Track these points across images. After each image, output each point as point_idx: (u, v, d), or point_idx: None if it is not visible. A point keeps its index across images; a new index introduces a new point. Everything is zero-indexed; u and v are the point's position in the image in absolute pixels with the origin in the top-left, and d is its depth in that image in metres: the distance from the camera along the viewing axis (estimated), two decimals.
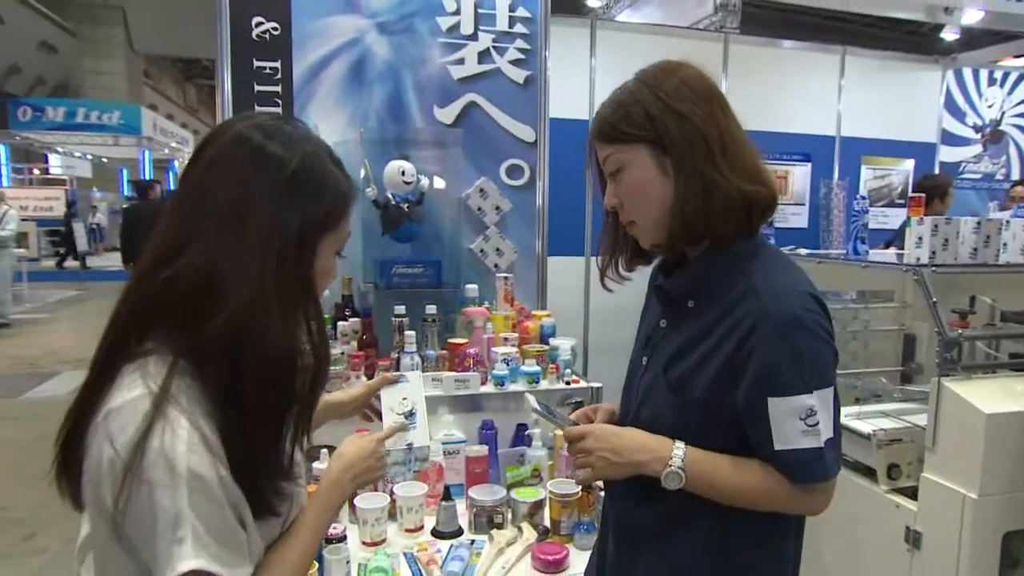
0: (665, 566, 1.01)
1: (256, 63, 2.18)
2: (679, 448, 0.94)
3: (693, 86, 0.96)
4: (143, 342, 0.75)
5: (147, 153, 17.21)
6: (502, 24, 2.41)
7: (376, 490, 1.74)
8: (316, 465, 1.67)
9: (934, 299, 1.83)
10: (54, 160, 16.69)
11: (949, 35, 5.58)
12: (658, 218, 0.98)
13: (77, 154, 15.84)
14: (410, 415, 1.11)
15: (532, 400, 1.14)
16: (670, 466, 0.93)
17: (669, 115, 0.94)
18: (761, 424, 0.91)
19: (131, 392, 0.71)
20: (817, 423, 0.90)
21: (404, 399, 1.13)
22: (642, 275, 1.14)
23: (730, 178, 0.93)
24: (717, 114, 0.96)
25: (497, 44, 2.41)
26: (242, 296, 0.73)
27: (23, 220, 10.16)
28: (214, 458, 0.71)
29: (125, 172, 18.34)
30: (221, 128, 0.82)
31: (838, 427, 0.95)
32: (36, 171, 16.59)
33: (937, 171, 4.32)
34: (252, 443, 0.76)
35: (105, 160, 16.94)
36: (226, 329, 0.72)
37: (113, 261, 14.10)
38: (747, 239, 0.98)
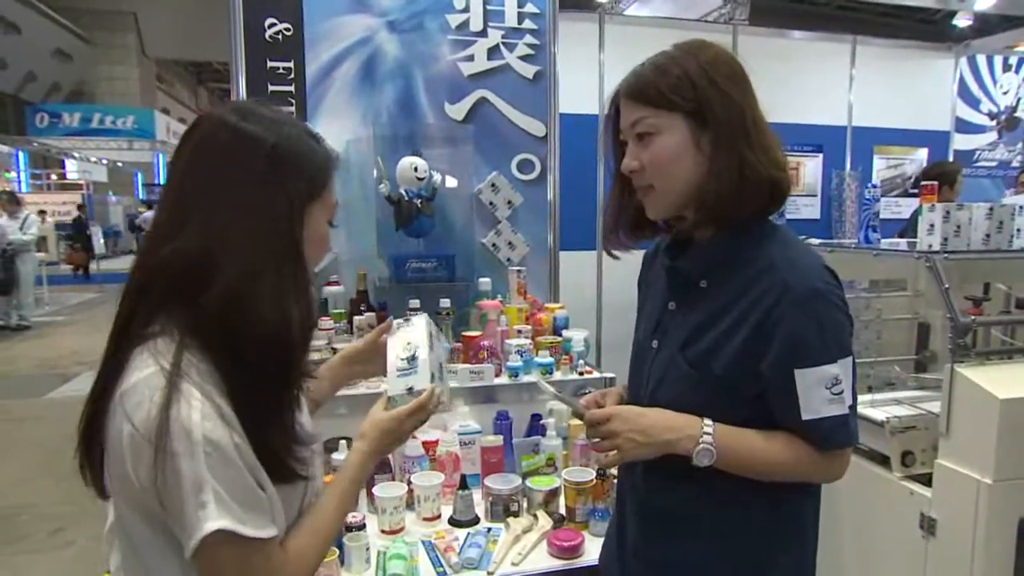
0: (693, 548, 1.02)
1: (269, 63, 2.22)
2: (708, 425, 0.95)
3: (729, 63, 0.98)
4: (149, 325, 0.79)
5: (161, 156, 17.41)
6: (511, 20, 2.43)
7: (394, 479, 1.78)
8: (335, 456, 1.71)
9: (946, 286, 1.82)
10: (70, 165, 16.92)
11: (962, 21, 5.52)
12: (680, 191, 0.98)
13: (93, 159, 16.06)
14: (412, 359, 1.07)
15: (547, 387, 1.15)
16: (701, 443, 0.93)
17: (712, 89, 0.94)
18: (788, 395, 0.93)
19: (143, 371, 0.75)
20: (842, 391, 0.93)
21: (408, 343, 1.09)
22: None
23: (763, 161, 0.95)
24: (750, 94, 0.98)
25: (506, 40, 2.43)
26: (232, 271, 0.77)
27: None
28: (227, 426, 0.75)
29: (140, 176, 18.57)
30: (202, 115, 0.86)
31: (855, 394, 0.97)
32: (53, 176, 16.82)
33: (951, 159, 4.29)
34: (260, 408, 0.79)
35: (120, 164, 17.15)
36: (221, 302, 0.76)
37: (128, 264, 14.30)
38: (762, 220, 1.00)
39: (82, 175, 16.41)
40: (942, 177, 3.22)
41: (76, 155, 15.70)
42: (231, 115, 0.83)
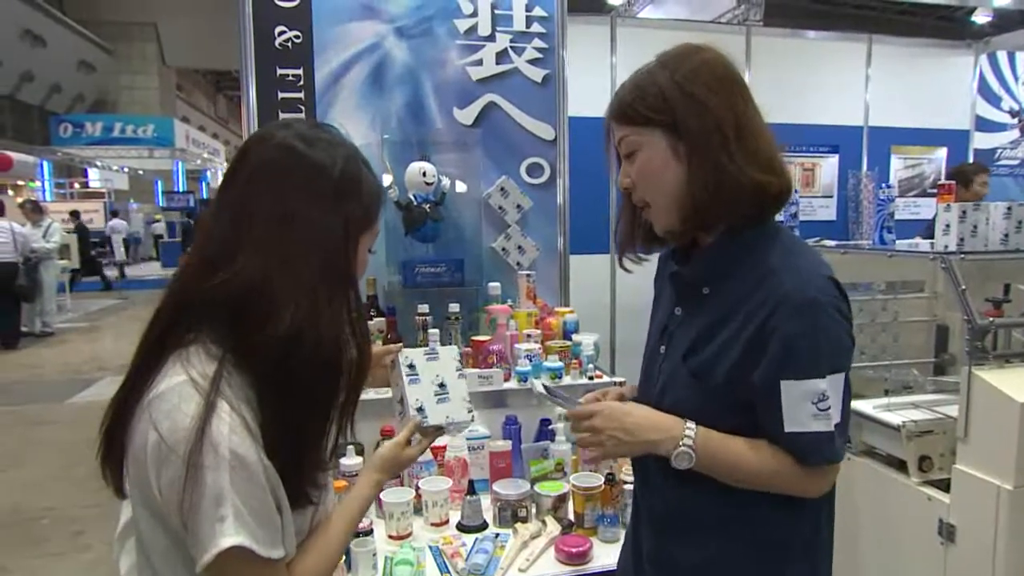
0: (707, 553, 1.01)
1: (279, 71, 2.24)
2: (690, 428, 0.95)
3: (713, 70, 0.97)
4: (187, 334, 0.79)
5: (180, 164, 17.70)
6: (519, 24, 2.43)
7: (402, 485, 1.78)
8: (344, 461, 1.71)
9: (963, 287, 1.79)
10: (93, 174, 17.24)
11: (981, 18, 5.42)
12: (670, 203, 0.98)
13: (114, 167, 16.35)
14: (441, 386, 1.10)
15: (537, 384, 1.15)
16: (681, 446, 0.94)
17: (685, 100, 0.94)
18: (773, 405, 0.92)
19: (174, 379, 0.75)
20: (828, 407, 0.91)
21: (437, 375, 1.12)
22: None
23: (742, 166, 0.93)
24: (735, 100, 0.96)
25: (514, 44, 2.43)
26: (299, 300, 0.77)
27: (67, 232, 10.59)
28: (254, 440, 0.75)
29: (160, 183, 18.87)
30: (261, 136, 0.85)
31: (847, 412, 0.95)
32: (76, 185, 17.14)
33: (972, 159, 4.22)
34: (300, 438, 0.80)
35: (141, 172, 17.46)
36: (287, 332, 0.75)
37: (150, 271, 14.54)
38: (762, 225, 0.99)
39: (104, 183, 16.72)
40: (957, 177, 3.16)
41: (98, 164, 15.99)
42: (296, 141, 0.82)
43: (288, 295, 0.76)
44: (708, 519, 1.01)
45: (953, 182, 2.24)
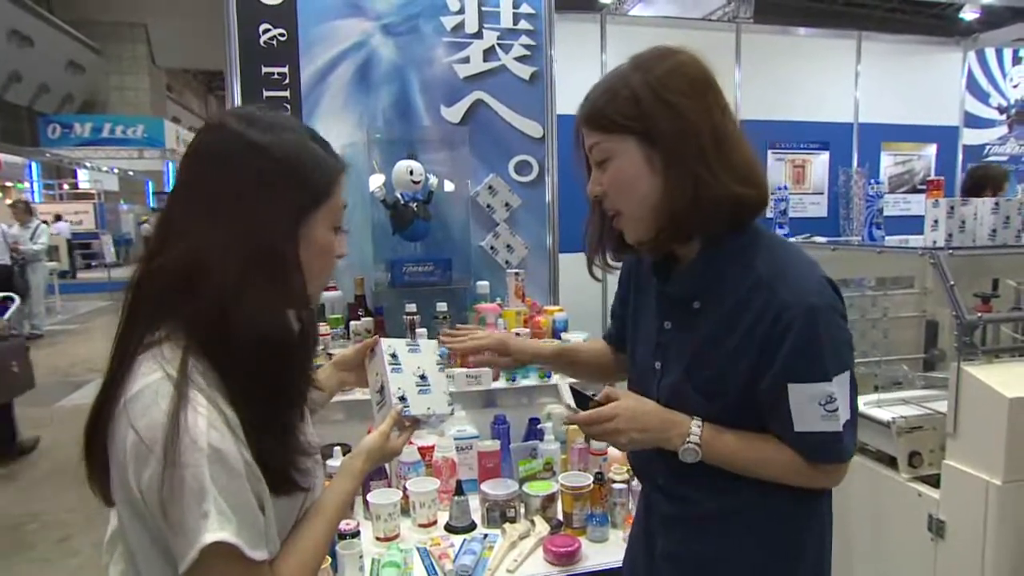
0: (717, 551, 1.02)
1: (264, 69, 2.21)
2: (696, 425, 0.96)
3: (689, 75, 0.93)
4: (154, 332, 0.77)
5: (171, 165, 17.57)
6: (506, 21, 2.41)
7: (389, 486, 1.76)
8: (330, 463, 1.69)
9: (951, 282, 1.78)
10: (83, 175, 17.11)
11: (969, 15, 5.45)
12: (645, 213, 0.95)
13: (104, 168, 16.23)
14: (422, 378, 1.08)
15: (565, 393, 1.12)
16: (688, 442, 0.95)
17: (660, 106, 0.91)
18: (781, 408, 0.92)
19: (149, 377, 0.73)
20: (836, 408, 0.91)
21: (418, 367, 1.10)
22: None
23: (721, 177, 0.91)
24: (711, 107, 0.93)
25: (502, 41, 2.42)
26: (222, 281, 0.75)
27: (56, 234, 10.51)
28: (233, 434, 0.73)
29: (151, 184, 18.75)
30: (207, 121, 0.85)
31: (855, 407, 0.95)
32: (66, 186, 17.00)
33: (961, 155, 4.24)
34: (260, 419, 0.78)
35: (131, 173, 17.34)
36: (211, 313, 0.74)
37: None
38: (742, 233, 0.97)
39: (94, 184, 16.59)
40: (988, 182, 3.03)
41: (88, 165, 15.87)
42: (233, 121, 0.80)
43: (213, 277, 0.75)
44: (717, 517, 1.01)
45: (943, 178, 2.23)
